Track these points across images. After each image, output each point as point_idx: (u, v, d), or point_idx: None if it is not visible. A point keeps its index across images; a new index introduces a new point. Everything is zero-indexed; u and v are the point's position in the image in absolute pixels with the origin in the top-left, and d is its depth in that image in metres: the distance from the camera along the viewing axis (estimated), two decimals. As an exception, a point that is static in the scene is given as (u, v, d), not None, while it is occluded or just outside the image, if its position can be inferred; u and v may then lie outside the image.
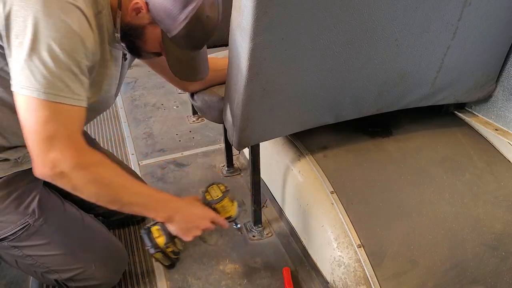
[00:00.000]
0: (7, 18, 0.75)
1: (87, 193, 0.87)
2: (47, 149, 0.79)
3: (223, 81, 1.14)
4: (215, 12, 0.93)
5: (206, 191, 1.09)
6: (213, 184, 1.10)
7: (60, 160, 0.80)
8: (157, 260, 1.06)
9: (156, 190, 1.02)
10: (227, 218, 1.10)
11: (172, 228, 1.01)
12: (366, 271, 0.99)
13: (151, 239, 1.02)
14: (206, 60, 1.08)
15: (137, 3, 0.89)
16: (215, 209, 1.07)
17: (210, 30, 0.95)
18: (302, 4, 0.83)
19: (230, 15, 0.90)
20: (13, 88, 0.78)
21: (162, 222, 1.01)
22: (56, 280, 1.10)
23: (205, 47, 1.03)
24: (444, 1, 0.97)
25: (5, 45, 0.78)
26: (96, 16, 0.87)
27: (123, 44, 0.97)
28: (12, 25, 0.75)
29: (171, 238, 1.03)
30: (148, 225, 1.05)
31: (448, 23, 1.03)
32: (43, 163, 0.80)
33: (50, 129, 0.79)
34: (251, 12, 0.79)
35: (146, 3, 0.89)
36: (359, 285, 0.99)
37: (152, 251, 1.02)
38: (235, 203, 1.11)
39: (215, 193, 1.08)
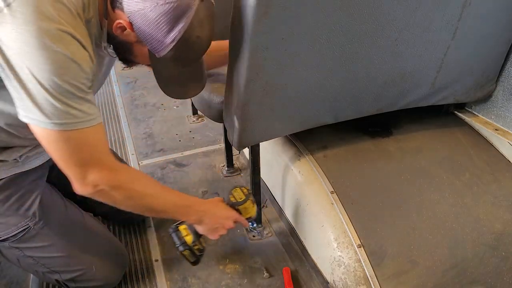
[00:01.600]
0: (5, 62, 0.73)
1: (125, 206, 0.94)
2: (83, 174, 0.84)
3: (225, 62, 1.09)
4: (205, 31, 0.86)
5: (231, 193, 1.16)
6: (236, 187, 1.17)
7: (99, 181, 0.86)
8: (184, 257, 1.11)
9: (184, 195, 1.06)
10: (247, 218, 1.17)
11: (200, 229, 1.07)
12: (366, 271, 0.99)
13: (180, 238, 1.08)
14: (200, 74, 1.03)
15: (120, 22, 0.83)
16: (238, 210, 1.13)
17: (201, 50, 0.92)
18: (302, 4, 0.83)
19: (230, 15, 0.90)
20: (25, 120, 0.78)
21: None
22: (57, 280, 1.10)
23: (202, 60, 0.99)
24: (444, 1, 0.97)
25: (5, 82, 0.77)
26: (86, 25, 0.83)
27: (111, 51, 0.94)
28: (10, 67, 0.73)
29: (198, 236, 1.09)
30: (175, 224, 1.10)
31: (448, 23, 1.03)
32: (83, 185, 0.85)
33: (80, 156, 0.83)
34: (251, 12, 0.79)
35: (130, 22, 0.83)
36: (359, 285, 0.99)
37: (181, 248, 1.07)
38: (255, 205, 1.18)
39: (239, 195, 1.15)
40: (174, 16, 0.80)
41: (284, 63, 0.92)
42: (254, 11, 0.78)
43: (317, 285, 1.18)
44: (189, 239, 1.08)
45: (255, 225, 1.37)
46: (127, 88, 2.53)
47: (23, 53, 0.71)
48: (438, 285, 0.99)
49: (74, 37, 0.76)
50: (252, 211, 1.17)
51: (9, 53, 0.72)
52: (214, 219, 1.07)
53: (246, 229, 1.39)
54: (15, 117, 0.82)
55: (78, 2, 0.80)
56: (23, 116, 0.78)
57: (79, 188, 0.86)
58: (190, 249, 1.09)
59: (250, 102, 0.96)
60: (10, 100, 0.80)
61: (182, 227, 1.09)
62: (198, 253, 1.11)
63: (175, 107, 2.31)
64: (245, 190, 1.16)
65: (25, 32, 0.70)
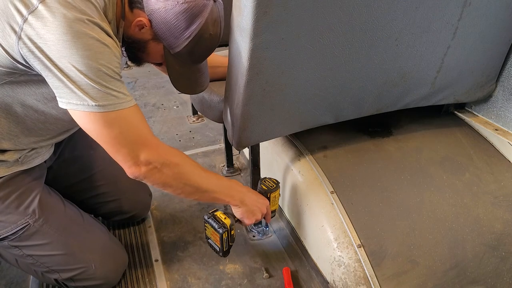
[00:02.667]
0: (43, 54, 0.75)
1: (175, 187, 0.94)
2: (135, 153, 0.85)
3: (221, 78, 1.14)
4: (217, 29, 0.95)
5: (261, 182, 1.18)
6: (265, 177, 1.21)
7: (151, 159, 0.87)
8: (217, 245, 1.11)
9: (224, 177, 1.09)
10: (271, 212, 1.20)
11: (238, 212, 1.09)
12: (366, 271, 0.99)
13: (219, 221, 1.08)
14: (206, 73, 1.10)
15: (140, 20, 0.89)
16: (268, 199, 1.16)
17: (212, 47, 0.98)
18: (302, 4, 0.83)
19: (230, 15, 0.90)
20: (69, 107, 0.79)
21: (224, 208, 1.11)
22: (56, 280, 1.10)
23: (205, 60, 1.06)
24: (444, 1, 0.97)
25: (44, 74, 0.78)
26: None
27: (123, 50, 0.97)
28: (48, 59, 0.75)
29: (235, 221, 1.11)
30: (209, 212, 1.11)
31: (448, 23, 1.03)
32: (136, 165, 0.86)
33: (129, 137, 0.84)
34: (251, 12, 0.79)
35: (150, 20, 0.90)
36: (359, 285, 0.99)
37: (221, 231, 1.07)
38: (279, 199, 1.22)
39: (270, 184, 1.18)
40: (192, 15, 0.88)
41: (284, 63, 0.92)
42: (254, 11, 0.78)
43: (317, 285, 1.18)
44: (228, 221, 1.08)
45: (268, 228, 1.38)
46: (127, 88, 2.53)
47: (60, 43, 0.73)
48: (438, 285, 0.99)
49: (101, 28, 0.80)
50: (277, 203, 1.21)
51: (46, 45, 0.74)
52: (253, 201, 1.09)
53: (246, 229, 1.39)
54: (36, 110, 0.89)
55: (102, 2, 0.84)
56: (64, 103, 0.79)
57: (132, 169, 0.87)
58: (229, 232, 1.09)
59: (250, 102, 0.96)
60: (35, 94, 0.86)
61: (218, 213, 1.10)
62: (231, 242, 1.12)
63: (175, 107, 2.31)
64: (274, 180, 1.19)
65: (59, 24, 0.73)
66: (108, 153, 0.86)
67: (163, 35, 0.91)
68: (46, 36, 0.73)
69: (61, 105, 0.80)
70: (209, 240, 1.15)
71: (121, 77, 0.84)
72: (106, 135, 0.82)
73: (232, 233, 1.11)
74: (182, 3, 0.86)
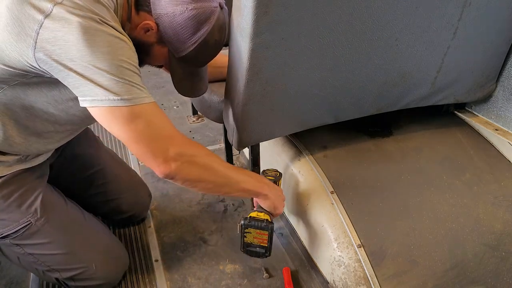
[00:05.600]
0: (59, 57, 0.75)
1: (207, 180, 0.91)
2: (163, 149, 0.83)
3: (221, 79, 1.14)
4: (222, 35, 0.95)
5: (265, 173, 1.16)
6: (265, 170, 1.18)
7: (182, 153, 0.85)
8: (260, 249, 1.08)
9: (244, 170, 1.07)
10: None
11: (266, 203, 1.06)
12: (366, 271, 0.99)
13: (260, 220, 1.05)
14: (206, 77, 1.10)
15: (147, 23, 0.89)
16: None
17: (216, 52, 1.00)
18: (302, 4, 0.83)
19: (230, 15, 0.90)
20: (93, 104, 0.78)
21: (252, 209, 1.09)
22: (57, 279, 1.10)
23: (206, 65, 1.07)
24: (444, 1, 0.97)
25: (61, 75, 0.77)
26: None
27: None
28: (66, 60, 0.75)
29: (269, 215, 1.07)
30: (242, 217, 1.08)
31: (448, 23, 1.03)
32: (166, 161, 0.83)
33: (155, 131, 0.83)
34: (251, 12, 0.79)
35: (157, 24, 0.90)
36: (359, 285, 0.99)
37: (268, 228, 1.04)
38: None
39: (274, 173, 1.16)
40: (200, 21, 0.89)
41: (284, 63, 0.92)
42: (254, 11, 0.79)
43: (317, 285, 1.18)
44: (267, 216, 1.05)
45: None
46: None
47: (80, 42, 0.73)
48: (438, 285, 0.99)
49: (115, 28, 0.80)
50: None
51: (66, 46, 0.74)
52: (277, 191, 1.07)
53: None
54: (46, 112, 0.89)
55: (112, 4, 0.84)
56: (88, 101, 0.78)
57: (162, 167, 0.83)
58: (272, 227, 1.06)
59: (250, 102, 0.96)
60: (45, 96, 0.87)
61: (253, 214, 1.06)
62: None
63: (175, 107, 2.31)
64: (275, 170, 1.17)
65: (77, 24, 0.73)
66: (134, 153, 0.83)
67: (170, 39, 0.91)
68: (65, 37, 0.73)
69: (84, 103, 0.79)
70: (248, 248, 1.09)
71: (140, 72, 0.84)
72: (132, 130, 0.80)
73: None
74: (191, 9, 0.87)
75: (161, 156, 0.83)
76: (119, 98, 0.77)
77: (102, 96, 0.76)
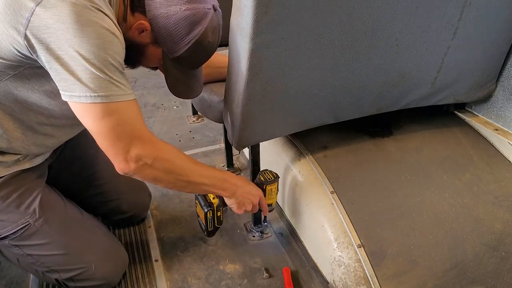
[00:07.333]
0: (44, 45, 0.75)
1: (166, 181, 0.94)
2: (126, 148, 0.84)
3: (221, 79, 1.14)
4: (216, 37, 0.96)
5: (261, 174, 1.19)
6: (266, 169, 1.20)
7: (142, 155, 0.86)
8: (203, 222, 1.13)
9: (217, 169, 1.09)
10: (268, 205, 1.19)
11: (228, 201, 1.09)
12: (366, 271, 0.99)
13: (207, 200, 1.11)
14: (201, 79, 1.11)
15: (142, 23, 0.90)
16: (264, 191, 1.16)
17: (210, 54, 1.00)
18: (302, 4, 0.83)
19: (230, 15, 0.90)
20: (70, 99, 0.79)
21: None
22: (56, 280, 1.10)
23: (201, 67, 1.07)
24: (444, 1, 0.97)
25: (47, 67, 0.78)
26: None
27: None
28: (51, 49, 0.75)
29: (223, 205, 1.12)
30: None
31: (448, 23, 1.03)
32: (126, 160, 0.85)
33: (124, 130, 0.84)
34: (251, 12, 0.79)
35: (151, 24, 0.90)
36: (359, 285, 0.99)
37: (205, 209, 1.10)
38: (278, 193, 1.21)
39: (268, 176, 1.18)
40: (193, 22, 0.90)
41: (284, 63, 0.92)
42: (254, 11, 0.78)
43: (317, 285, 1.18)
44: (216, 201, 1.10)
45: (266, 223, 1.37)
46: (127, 88, 2.52)
47: (70, 31, 0.73)
48: (438, 285, 0.99)
49: (109, 18, 0.80)
50: (275, 197, 1.20)
51: (55, 34, 0.74)
52: (245, 194, 1.09)
53: (246, 229, 1.39)
54: (39, 106, 0.89)
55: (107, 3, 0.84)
56: (67, 96, 0.79)
57: (122, 164, 0.86)
58: (214, 212, 1.10)
59: (250, 102, 0.96)
60: (37, 90, 0.87)
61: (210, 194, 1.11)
62: (217, 223, 1.14)
63: (175, 107, 2.31)
64: (274, 173, 1.19)
65: (69, 12, 0.73)
66: (100, 146, 0.85)
67: (163, 39, 0.92)
68: (55, 25, 0.73)
69: (64, 97, 0.80)
70: (198, 218, 1.18)
71: (123, 69, 0.84)
72: (102, 126, 0.81)
73: (218, 215, 1.12)
74: (184, 10, 0.88)
75: (122, 155, 0.85)
76: (95, 95, 0.78)
77: (79, 92, 0.77)
